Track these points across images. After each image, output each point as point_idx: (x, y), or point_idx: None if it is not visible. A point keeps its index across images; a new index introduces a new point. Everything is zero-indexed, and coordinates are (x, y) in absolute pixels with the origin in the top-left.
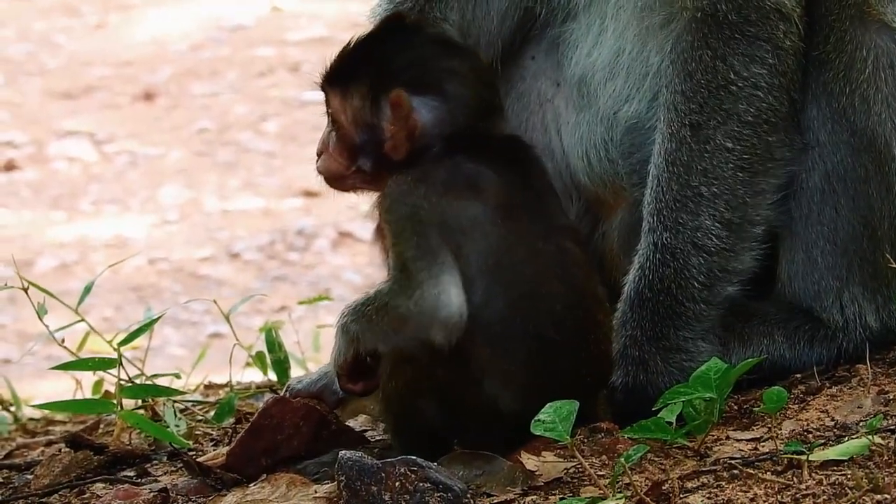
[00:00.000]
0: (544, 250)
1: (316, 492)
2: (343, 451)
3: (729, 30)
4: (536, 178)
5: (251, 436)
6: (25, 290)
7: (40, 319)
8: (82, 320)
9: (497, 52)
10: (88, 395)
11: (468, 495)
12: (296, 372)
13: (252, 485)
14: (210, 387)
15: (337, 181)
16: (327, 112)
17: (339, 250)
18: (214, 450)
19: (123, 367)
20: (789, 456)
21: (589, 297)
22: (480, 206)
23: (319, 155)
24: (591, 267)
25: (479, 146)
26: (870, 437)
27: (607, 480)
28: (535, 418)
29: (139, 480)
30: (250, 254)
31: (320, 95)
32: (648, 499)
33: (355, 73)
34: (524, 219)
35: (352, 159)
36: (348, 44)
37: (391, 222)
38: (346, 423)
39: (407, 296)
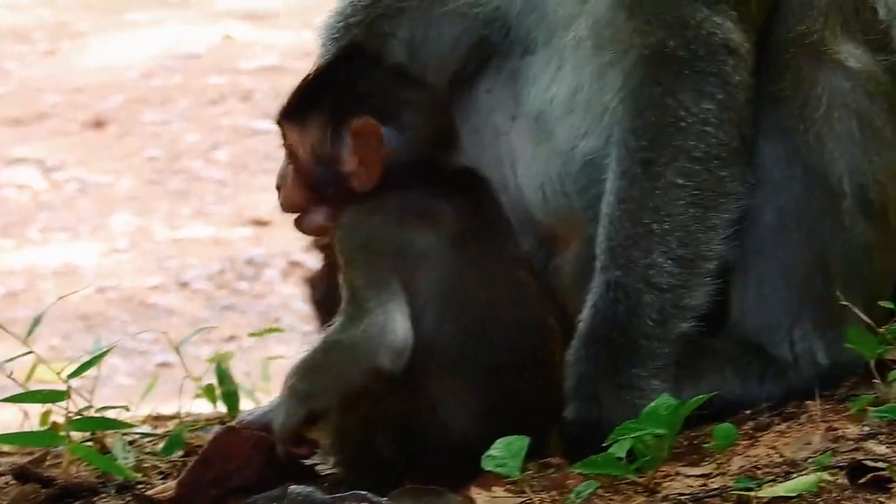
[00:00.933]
0: (498, 278)
1: None
2: (292, 486)
3: (678, 66)
4: (490, 209)
5: (201, 465)
6: None
7: None
8: (31, 352)
9: (445, 78)
10: (36, 426)
11: None
12: (245, 403)
13: None
14: (159, 418)
15: (299, 218)
16: (285, 145)
17: (290, 280)
18: (163, 483)
19: (72, 400)
20: (738, 492)
21: (542, 326)
22: (434, 236)
23: (279, 189)
24: (543, 298)
25: (433, 177)
26: (819, 473)
27: None
28: (486, 453)
29: None
30: (200, 283)
31: (272, 125)
32: None
33: (313, 104)
34: (478, 247)
35: (310, 193)
36: (305, 77)
37: (345, 252)
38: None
39: (355, 325)
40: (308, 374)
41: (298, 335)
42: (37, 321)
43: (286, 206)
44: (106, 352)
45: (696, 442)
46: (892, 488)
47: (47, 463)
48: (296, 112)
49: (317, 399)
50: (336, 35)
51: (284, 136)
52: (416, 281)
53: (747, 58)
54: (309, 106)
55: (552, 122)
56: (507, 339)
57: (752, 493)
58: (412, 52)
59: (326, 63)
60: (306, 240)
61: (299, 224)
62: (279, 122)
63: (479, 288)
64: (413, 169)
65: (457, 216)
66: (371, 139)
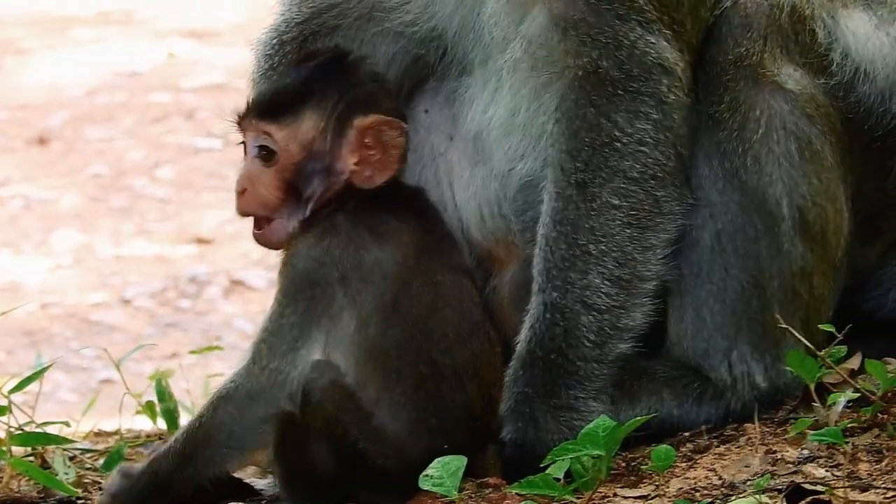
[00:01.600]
0: (441, 283)
1: None
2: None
3: (612, 86)
4: (436, 223)
5: None
6: None
7: None
8: None
9: None
10: None
11: None
12: (185, 419)
13: None
14: (100, 434)
15: (266, 237)
16: (257, 147)
17: (231, 298)
18: None
19: (13, 415)
20: None
21: (483, 334)
22: (380, 252)
23: (241, 193)
24: (483, 310)
25: (385, 195)
26: (757, 496)
27: None
28: (423, 473)
29: None
30: (142, 300)
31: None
32: None
33: (307, 101)
34: (423, 258)
35: (286, 194)
36: (283, 77)
37: (286, 280)
38: (235, 475)
39: (261, 368)
40: (195, 449)
41: (239, 353)
42: None
43: (252, 209)
44: (46, 367)
45: (634, 463)
46: None
47: None
48: (285, 109)
49: (205, 477)
50: (270, 52)
51: (261, 135)
52: (361, 296)
53: (683, 77)
54: (302, 103)
55: (490, 143)
56: (447, 338)
57: None
58: None
59: (308, 63)
60: (254, 256)
61: (261, 238)
62: (250, 122)
63: (423, 291)
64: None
65: (404, 232)
66: (386, 135)
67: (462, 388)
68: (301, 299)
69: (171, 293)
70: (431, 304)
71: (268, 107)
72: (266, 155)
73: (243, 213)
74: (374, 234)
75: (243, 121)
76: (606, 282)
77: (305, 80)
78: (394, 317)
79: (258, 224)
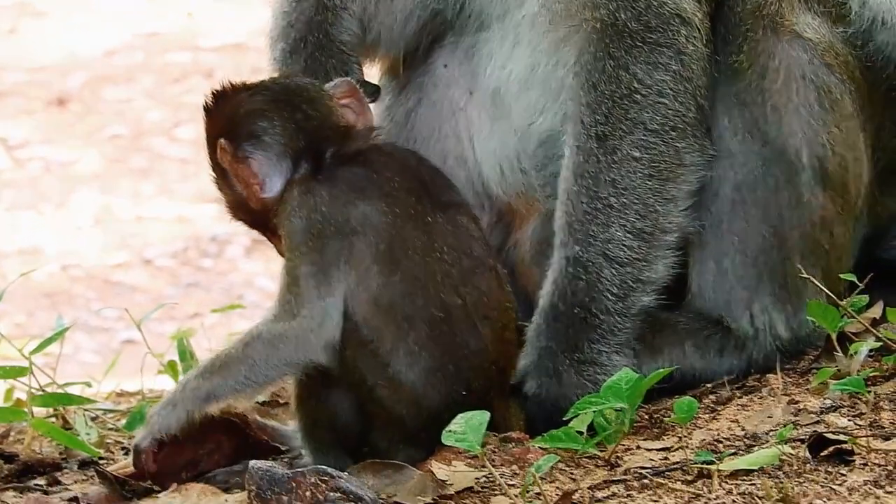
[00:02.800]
0: (433, 223)
1: (226, 501)
2: (253, 461)
3: (630, 38)
4: (419, 167)
5: (174, 450)
6: None
7: None
8: None
9: (399, 52)
10: None
11: None
12: None
13: (162, 494)
14: (122, 395)
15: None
16: None
17: (253, 257)
18: (126, 458)
19: (34, 376)
20: (699, 466)
21: (488, 270)
22: (365, 205)
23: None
24: (487, 241)
25: (353, 156)
26: (780, 446)
27: (518, 490)
28: (447, 428)
29: (50, 489)
30: (163, 260)
31: None
32: None
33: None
34: (410, 201)
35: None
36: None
37: (292, 236)
38: (264, 437)
39: (290, 316)
40: (216, 371)
41: (261, 311)
42: None
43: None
44: (67, 328)
45: (656, 416)
46: (854, 461)
47: (10, 439)
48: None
49: (218, 401)
50: (286, 9)
51: None
52: (357, 248)
53: (701, 28)
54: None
55: (509, 99)
56: (451, 276)
57: (714, 467)
58: (365, 26)
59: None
60: None
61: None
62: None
63: (416, 236)
64: (332, 155)
65: (385, 181)
66: (225, 156)
67: (475, 331)
68: (308, 251)
69: (192, 253)
70: (427, 245)
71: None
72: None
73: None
74: (355, 189)
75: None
76: (628, 234)
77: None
78: (391, 265)
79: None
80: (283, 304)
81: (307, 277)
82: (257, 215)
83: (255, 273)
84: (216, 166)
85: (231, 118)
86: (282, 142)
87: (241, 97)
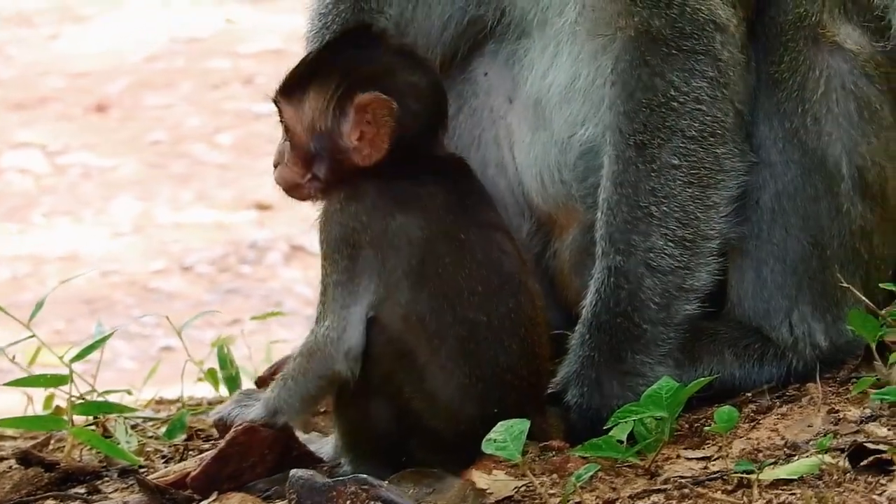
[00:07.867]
0: (466, 240)
1: None
2: (294, 470)
3: (665, 46)
4: (462, 183)
5: (218, 462)
6: None
7: None
8: (34, 336)
9: (436, 58)
10: (39, 410)
11: None
12: (247, 386)
13: (203, 503)
14: (161, 402)
15: (294, 190)
16: (282, 123)
17: (292, 263)
18: (165, 467)
19: (75, 384)
20: (739, 475)
21: (518, 285)
22: (405, 218)
23: (276, 166)
24: (520, 257)
25: (410, 162)
26: (820, 456)
27: (558, 499)
28: (487, 437)
29: (90, 497)
30: (203, 267)
31: (274, 108)
32: None
33: (313, 80)
34: (447, 219)
35: (306, 169)
36: (305, 55)
37: (324, 244)
38: (308, 450)
39: (318, 326)
40: (284, 387)
41: (300, 318)
42: (39, 305)
43: (280, 182)
44: (108, 336)
45: (697, 425)
46: (894, 471)
47: (50, 447)
48: (295, 88)
49: (281, 416)
50: (323, 11)
51: (282, 113)
52: (390, 262)
53: (736, 34)
54: (309, 82)
55: (550, 109)
56: (477, 293)
57: (754, 476)
58: (401, 30)
59: (328, 41)
60: (313, 220)
61: (278, 179)
62: (276, 101)
63: (448, 252)
64: (394, 155)
65: (429, 197)
66: (380, 112)
67: (503, 347)
68: (340, 259)
69: (232, 259)
70: (457, 262)
71: (283, 86)
72: (286, 131)
73: (277, 184)
74: (399, 202)
75: (275, 98)
76: (670, 243)
77: (315, 58)
78: (420, 281)
79: (295, 196)
80: (316, 314)
81: (335, 286)
82: (326, 178)
83: (294, 280)
84: (335, 111)
85: (386, 75)
86: (405, 122)
87: (394, 62)
